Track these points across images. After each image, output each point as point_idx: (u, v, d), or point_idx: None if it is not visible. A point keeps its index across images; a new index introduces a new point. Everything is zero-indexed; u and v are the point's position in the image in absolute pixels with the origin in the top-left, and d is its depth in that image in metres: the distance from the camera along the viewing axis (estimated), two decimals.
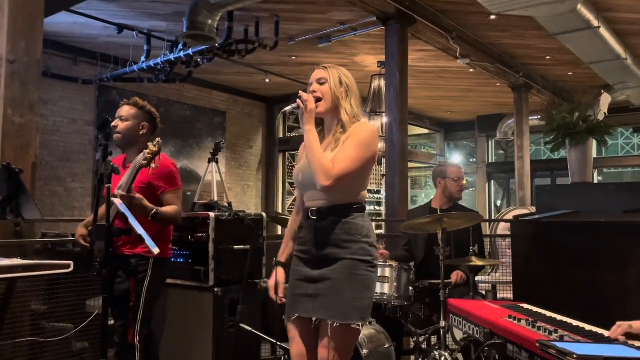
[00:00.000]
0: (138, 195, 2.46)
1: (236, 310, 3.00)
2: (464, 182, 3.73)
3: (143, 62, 6.85)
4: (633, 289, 2.40)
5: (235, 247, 3.19)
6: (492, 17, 6.10)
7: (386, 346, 3.09)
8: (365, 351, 2.93)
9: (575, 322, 1.81)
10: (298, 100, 2.01)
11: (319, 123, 2.14)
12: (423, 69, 8.38)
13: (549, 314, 1.98)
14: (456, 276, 3.35)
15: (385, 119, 7.09)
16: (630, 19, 6.34)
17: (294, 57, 8.05)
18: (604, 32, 6.28)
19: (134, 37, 6.75)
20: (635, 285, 2.40)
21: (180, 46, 6.43)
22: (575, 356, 1.23)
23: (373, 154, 2.04)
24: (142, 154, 2.39)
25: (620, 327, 1.57)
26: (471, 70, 8.08)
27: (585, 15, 5.76)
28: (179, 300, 3.19)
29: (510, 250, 5.97)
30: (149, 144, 2.41)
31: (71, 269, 2.26)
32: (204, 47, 5.92)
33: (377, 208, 12.89)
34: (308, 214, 2.05)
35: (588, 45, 6.67)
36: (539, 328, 1.66)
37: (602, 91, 6.62)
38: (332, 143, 2.06)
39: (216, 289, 3.06)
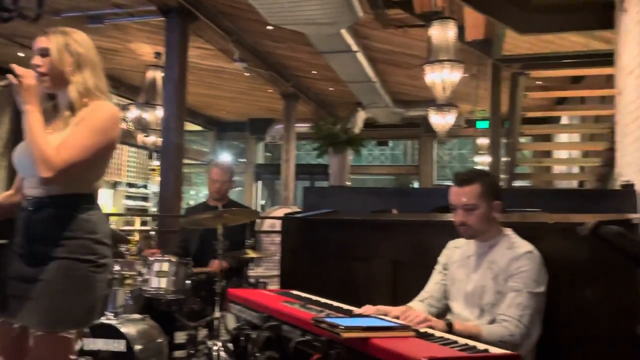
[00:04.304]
0: None
1: None
2: (219, 185, 3.67)
3: None
4: (377, 276, 2.88)
5: None
6: (270, 27, 6.50)
7: (159, 340, 3.09)
8: (137, 347, 2.89)
9: (335, 303, 2.14)
10: (9, 76, 1.67)
11: (54, 97, 1.85)
12: (200, 66, 8.44)
13: (315, 297, 2.28)
14: (215, 265, 3.42)
15: (160, 112, 6.94)
16: (382, 49, 7.46)
17: None
18: (360, 56, 7.27)
19: None
20: (379, 273, 2.89)
21: None
22: (342, 327, 1.49)
23: (111, 141, 1.78)
24: None
25: (371, 309, 1.96)
26: (247, 74, 8.44)
27: (347, 40, 6.59)
28: None
29: (273, 246, 6.45)
30: None
31: None
32: None
33: (144, 204, 12.41)
34: (25, 203, 1.78)
35: (347, 66, 7.65)
36: (309, 309, 1.92)
37: (358, 108, 7.64)
38: (60, 124, 1.78)
39: None
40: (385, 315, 1.91)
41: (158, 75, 7.33)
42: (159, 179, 6.15)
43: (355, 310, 2.00)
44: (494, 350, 1.45)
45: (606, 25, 4.16)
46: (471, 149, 12.66)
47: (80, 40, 1.83)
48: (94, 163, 1.77)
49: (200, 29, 6.33)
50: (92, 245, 1.76)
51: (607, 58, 4.45)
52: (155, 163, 11.01)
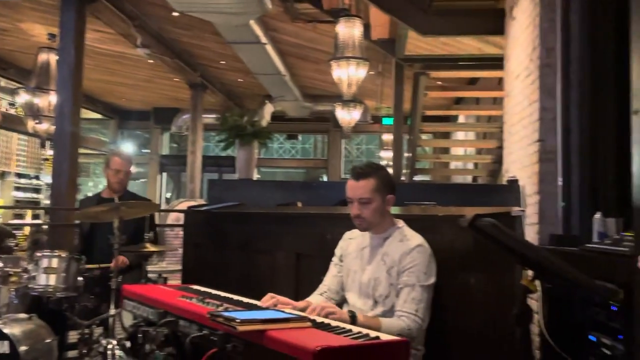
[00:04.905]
0: None
1: None
2: (122, 175, 3.48)
3: None
4: (280, 268, 2.90)
5: None
6: (175, 13, 6.28)
7: (47, 341, 2.91)
8: (22, 348, 2.70)
9: (236, 297, 2.12)
10: None
11: None
12: (100, 50, 7.97)
13: (215, 292, 2.24)
14: (117, 261, 3.28)
15: (53, 98, 6.47)
16: (291, 42, 7.46)
17: None
18: (269, 48, 7.23)
19: None
20: (281, 265, 2.91)
21: None
22: (238, 320, 1.48)
23: None
24: None
25: (271, 299, 1.97)
26: (150, 61, 8.10)
27: (256, 31, 6.52)
28: None
29: (177, 240, 6.28)
30: None
31: None
32: None
33: (35, 196, 11.54)
34: None
35: (256, 58, 7.57)
36: (207, 303, 1.89)
37: (266, 101, 7.59)
38: None
39: None
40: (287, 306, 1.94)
41: (52, 58, 6.83)
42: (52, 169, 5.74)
43: (256, 302, 2.00)
44: (385, 337, 1.51)
45: (497, 31, 4.46)
46: (378, 144, 13.08)
47: None
48: None
49: (98, 10, 5.97)
50: None
51: (498, 62, 4.78)
52: (49, 152, 10.25)
